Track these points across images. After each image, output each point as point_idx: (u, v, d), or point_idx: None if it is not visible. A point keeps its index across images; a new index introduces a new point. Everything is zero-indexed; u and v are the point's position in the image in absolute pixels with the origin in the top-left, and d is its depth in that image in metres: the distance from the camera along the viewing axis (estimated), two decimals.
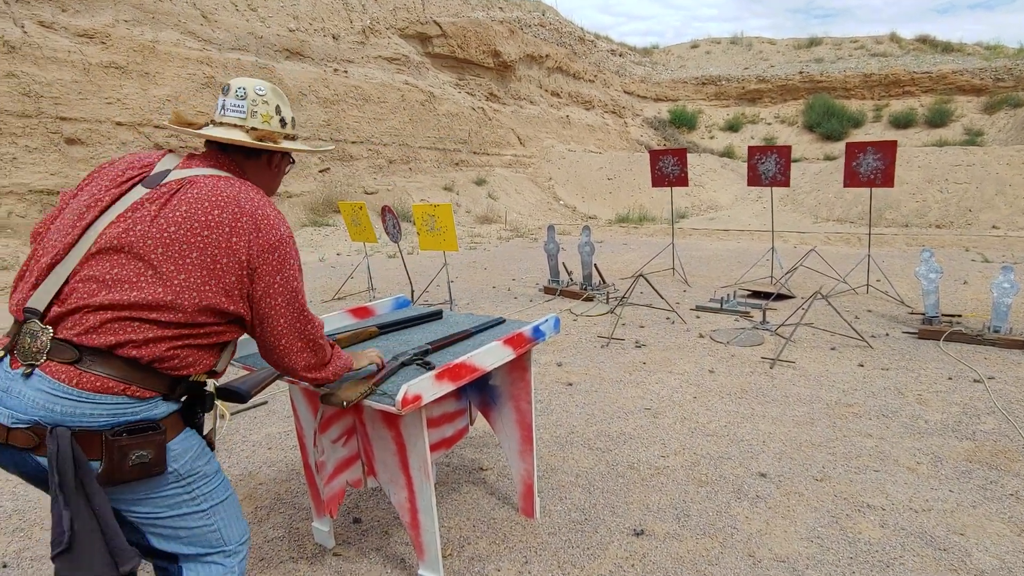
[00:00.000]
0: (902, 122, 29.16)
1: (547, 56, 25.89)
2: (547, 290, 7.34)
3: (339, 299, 7.24)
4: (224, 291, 1.42)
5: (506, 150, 21.86)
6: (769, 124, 32.32)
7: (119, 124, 11.12)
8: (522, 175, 21.83)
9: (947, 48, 34.02)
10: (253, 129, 1.57)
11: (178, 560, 1.55)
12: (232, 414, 3.77)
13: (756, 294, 6.91)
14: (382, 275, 8.60)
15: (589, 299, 6.83)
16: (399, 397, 1.71)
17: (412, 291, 6.91)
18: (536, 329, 2.36)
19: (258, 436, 3.48)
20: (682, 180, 7.79)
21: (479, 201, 18.09)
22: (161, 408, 1.39)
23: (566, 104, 27.32)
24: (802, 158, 28.58)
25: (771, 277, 7.68)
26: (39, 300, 1.33)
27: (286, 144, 1.64)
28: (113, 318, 1.31)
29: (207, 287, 1.40)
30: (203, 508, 1.52)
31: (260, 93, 1.58)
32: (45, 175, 10.03)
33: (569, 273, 7.55)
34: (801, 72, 32.69)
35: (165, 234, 1.37)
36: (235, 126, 1.56)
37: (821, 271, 7.89)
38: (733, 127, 32.60)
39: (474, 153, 20.21)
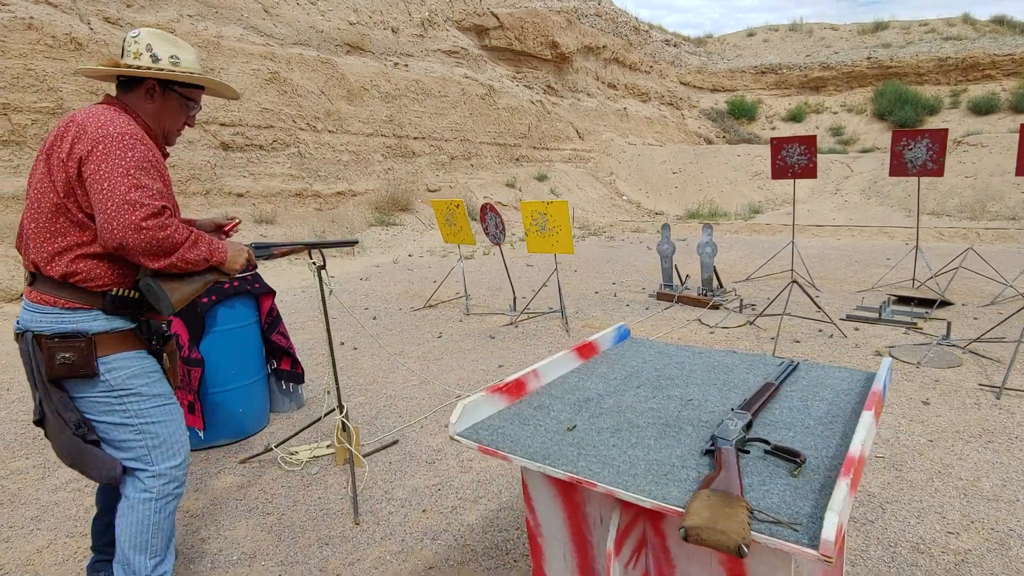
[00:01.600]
0: (983, 108, 27.25)
1: (604, 47, 24.97)
2: (661, 296, 6.56)
3: (431, 307, 6.60)
4: (58, 190, 1.67)
5: (565, 144, 21.07)
6: (835, 113, 30.69)
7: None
8: (582, 170, 21.00)
9: None
10: (127, 66, 1.79)
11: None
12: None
13: (906, 300, 5.99)
14: (464, 279, 7.91)
15: (715, 307, 6.03)
16: (828, 534, 0.98)
17: (515, 299, 6.22)
18: (884, 384, 1.60)
19: (403, 492, 2.81)
20: (810, 171, 6.90)
21: (542, 197, 17.34)
22: (99, 323, 1.72)
23: (622, 96, 26.35)
24: (873, 148, 27.00)
25: (913, 280, 6.74)
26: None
27: (131, 71, 1.78)
28: (35, 247, 1.70)
29: (49, 191, 1.68)
30: (132, 423, 1.78)
31: (133, 36, 1.83)
32: None
33: (682, 277, 6.76)
34: (869, 58, 30.94)
35: (36, 163, 1.74)
36: (115, 66, 1.80)
37: (977, 271, 6.88)
38: (796, 117, 31.07)
39: (534, 148, 19.48)
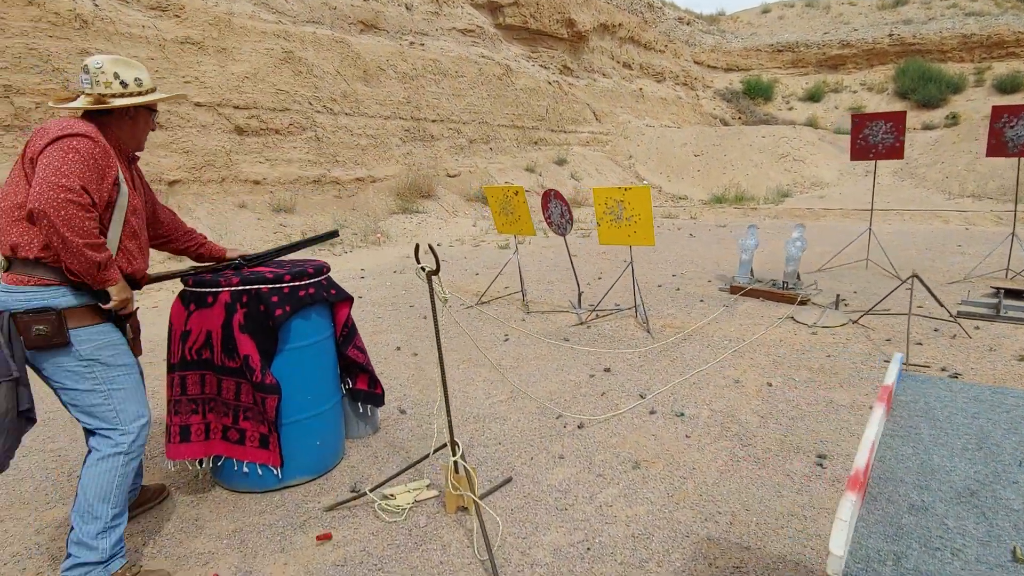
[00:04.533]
0: (1007, 86, 26.46)
1: (620, 25, 24.16)
2: (735, 290, 5.98)
3: (484, 303, 6.02)
4: (23, 183, 1.98)
5: (583, 127, 20.38)
6: (855, 92, 29.90)
7: (198, 105, 10.09)
8: (600, 153, 20.33)
9: None
10: (99, 96, 2.07)
11: (91, 435, 2.12)
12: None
13: (1016, 293, 5.41)
14: (505, 270, 7.31)
15: (803, 302, 5.45)
16: None
17: (580, 293, 5.64)
18: None
19: (542, 552, 2.25)
20: (896, 151, 6.30)
21: (563, 182, 16.70)
22: (68, 299, 1.99)
23: (637, 76, 25.57)
24: None
25: (1008, 270, 6.16)
26: None
27: (122, 101, 2.10)
28: (11, 233, 1.96)
29: (19, 184, 1.99)
30: (101, 390, 2.07)
31: (97, 67, 2.07)
32: None
33: (751, 274, 6.19)
34: (890, 35, 30.09)
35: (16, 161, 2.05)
36: (85, 95, 2.09)
37: None
38: (814, 96, 30.29)
39: (551, 131, 18.79)
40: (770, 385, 3.72)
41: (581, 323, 5.21)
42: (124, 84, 2.11)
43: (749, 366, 4.07)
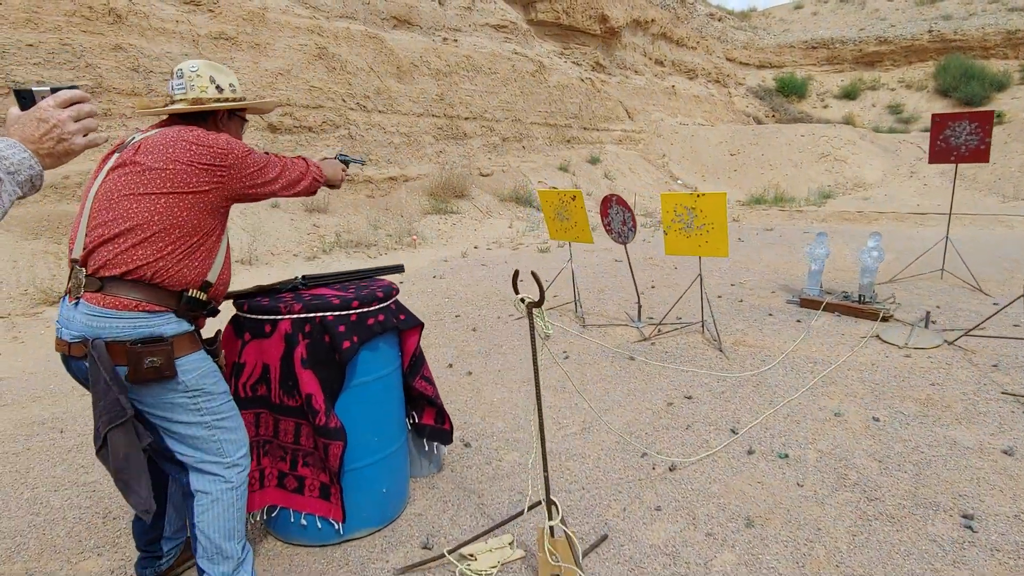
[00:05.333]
0: None
1: (652, 21, 23.62)
2: (805, 303, 5.55)
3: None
4: (130, 188, 1.79)
5: (615, 125, 19.90)
6: (893, 90, 29.03)
7: None
8: (633, 152, 19.85)
9: None
10: (195, 100, 1.94)
11: (187, 471, 1.91)
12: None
13: None
14: (575, 282, 6.93)
15: (886, 319, 5.01)
16: None
17: (640, 308, 5.26)
18: None
19: None
20: (981, 154, 5.81)
21: (597, 182, 16.29)
22: (172, 326, 1.76)
23: (670, 74, 25.01)
24: None
25: None
26: (77, 251, 1.74)
27: (219, 105, 1.96)
28: (116, 250, 1.70)
29: (124, 191, 1.76)
30: (206, 420, 1.87)
31: (193, 70, 1.95)
32: None
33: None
34: (930, 31, 29.13)
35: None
36: (180, 100, 1.94)
37: None
38: (850, 94, 29.48)
39: (584, 129, 18.36)
40: (877, 420, 3.30)
41: (644, 339, 4.82)
42: (220, 89, 1.98)
43: (845, 395, 3.65)
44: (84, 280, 1.71)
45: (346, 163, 2.47)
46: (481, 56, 15.18)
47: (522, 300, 1.90)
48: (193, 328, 1.87)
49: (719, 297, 6.08)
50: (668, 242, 4.75)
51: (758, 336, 4.82)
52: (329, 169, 2.27)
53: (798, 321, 5.17)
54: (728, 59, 30.39)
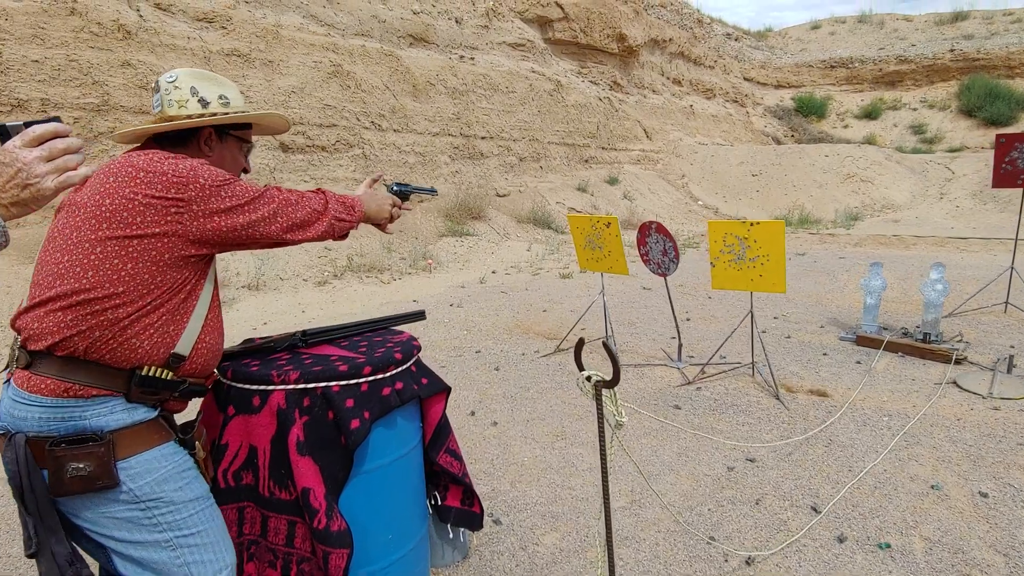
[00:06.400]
0: None
1: (670, 40, 23.33)
2: (862, 340, 5.02)
3: (563, 350, 5.16)
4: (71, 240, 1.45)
5: (633, 144, 19.51)
6: (914, 110, 28.48)
7: None
8: (651, 172, 19.43)
9: None
10: (165, 117, 1.51)
11: None
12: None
13: None
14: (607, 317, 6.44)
15: (959, 362, 4.47)
16: None
17: (680, 345, 4.76)
18: None
19: None
20: None
21: (616, 203, 15.84)
22: (118, 416, 1.31)
23: (687, 93, 24.65)
24: (962, 147, 24.82)
25: None
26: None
27: (191, 121, 1.50)
28: (42, 315, 1.27)
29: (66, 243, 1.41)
30: (166, 538, 1.38)
31: (170, 81, 1.54)
32: None
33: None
34: (952, 50, 28.63)
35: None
36: (154, 121, 1.52)
37: None
38: (871, 114, 28.95)
39: (602, 148, 17.97)
40: (985, 496, 2.77)
41: (688, 382, 4.31)
42: (204, 102, 1.54)
43: (937, 460, 3.12)
44: (17, 353, 1.34)
45: (404, 195, 1.98)
46: (498, 74, 14.87)
47: (588, 379, 1.42)
48: (156, 414, 1.41)
49: (763, 332, 5.56)
50: (715, 275, 4.26)
51: (815, 380, 4.30)
52: (372, 204, 1.77)
53: (857, 362, 4.64)
54: (746, 78, 30.04)
